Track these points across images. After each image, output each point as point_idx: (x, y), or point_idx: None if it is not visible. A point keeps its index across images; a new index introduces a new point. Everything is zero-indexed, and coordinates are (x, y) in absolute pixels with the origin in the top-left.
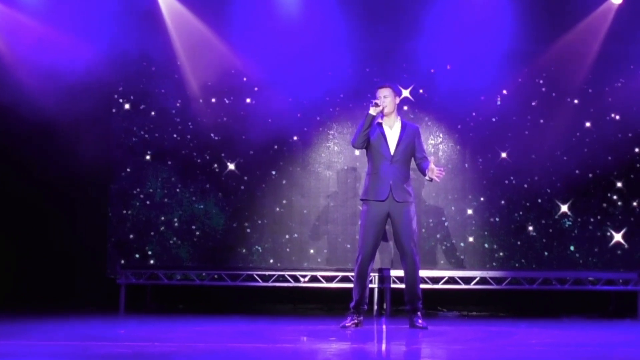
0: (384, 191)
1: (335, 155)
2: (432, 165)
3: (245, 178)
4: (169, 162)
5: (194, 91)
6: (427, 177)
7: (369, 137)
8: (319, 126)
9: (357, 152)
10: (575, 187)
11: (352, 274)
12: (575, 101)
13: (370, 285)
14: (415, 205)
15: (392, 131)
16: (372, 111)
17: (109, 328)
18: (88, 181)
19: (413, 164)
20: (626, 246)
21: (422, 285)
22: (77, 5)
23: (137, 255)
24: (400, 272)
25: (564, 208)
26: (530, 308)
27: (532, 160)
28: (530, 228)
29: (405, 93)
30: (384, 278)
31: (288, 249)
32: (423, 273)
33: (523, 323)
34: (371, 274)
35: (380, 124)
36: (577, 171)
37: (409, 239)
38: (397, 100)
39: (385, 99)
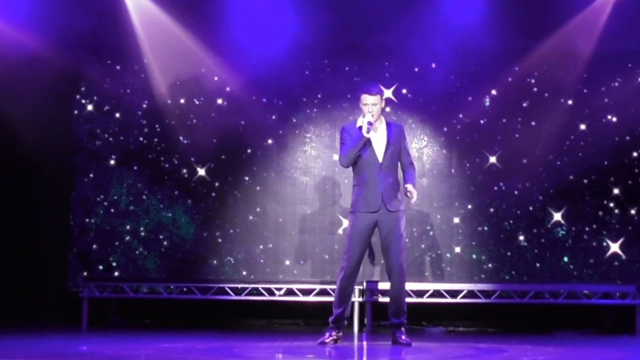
0: (375, 201)
1: (312, 160)
2: (411, 189)
3: (217, 184)
4: (135, 167)
5: (162, 91)
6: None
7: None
8: (295, 129)
9: (335, 157)
10: (569, 194)
11: (331, 286)
12: (569, 102)
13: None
14: (405, 214)
15: (378, 135)
16: (368, 134)
17: (70, 344)
18: (48, 187)
19: None
20: (624, 257)
21: (406, 299)
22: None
23: (100, 267)
24: (382, 285)
25: (557, 216)
26: (521, 323)
27: (523, 165)
28: (521, 238)
29: (388, 93)
30: (365, 291)
31: (262, 260)
32: (407, 286)
33: (513, 339)
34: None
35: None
36: (571, 177)
37: (399, 252)
38: (383, 103)
39: (374, 106)
